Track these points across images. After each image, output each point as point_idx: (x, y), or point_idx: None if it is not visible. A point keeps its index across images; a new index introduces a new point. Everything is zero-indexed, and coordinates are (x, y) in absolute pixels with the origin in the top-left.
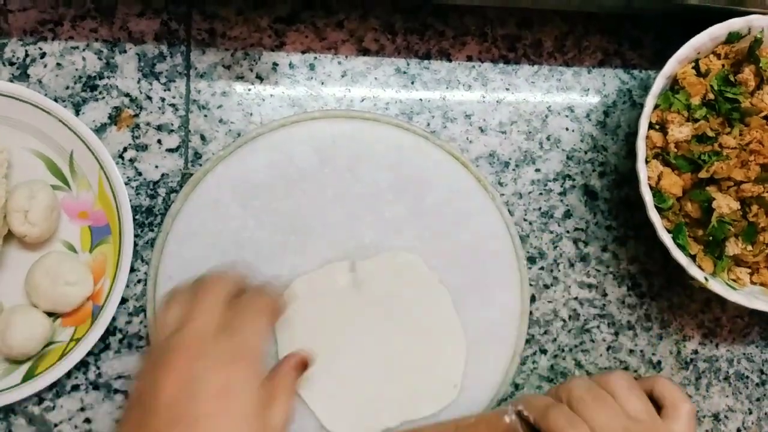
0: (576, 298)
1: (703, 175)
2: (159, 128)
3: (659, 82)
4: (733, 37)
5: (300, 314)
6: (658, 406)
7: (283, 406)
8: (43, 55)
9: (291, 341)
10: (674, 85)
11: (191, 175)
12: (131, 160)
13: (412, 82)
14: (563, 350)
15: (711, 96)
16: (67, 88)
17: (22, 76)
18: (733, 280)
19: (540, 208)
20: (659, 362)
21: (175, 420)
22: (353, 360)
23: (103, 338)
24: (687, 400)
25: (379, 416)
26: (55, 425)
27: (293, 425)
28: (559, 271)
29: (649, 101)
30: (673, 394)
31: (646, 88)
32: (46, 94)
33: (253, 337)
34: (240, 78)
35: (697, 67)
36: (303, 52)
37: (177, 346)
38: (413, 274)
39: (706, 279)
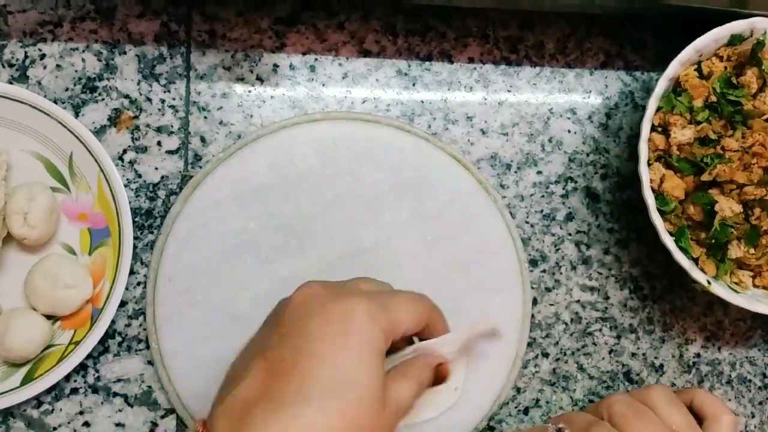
0: (578, 301)
1: (705, 177)
2: (159, 130)
3: (662, 84)
4: (735, 40)
5: None
6: (698, 418)
7: (407, 389)
8: (42, 57)
9: None
10: (677, 88)
11: (191, 177)
12: (131, 162)
13: (414, 84)
14: (565, 353)
15: (713, 98)
16: (67, 89)
17: (22, 77)
18: (736, 284)
19: (542, 211)
20: (662, 366)
21: (287, 336)
22: None
23: (102, 341)
24: (728, 412)
25: None
26: (54, 429)
27: None
28: (561, 273)
29: (652, 103)
30: (714, 406)
31: (648, 90)
32: (45, 96)
33: (399, 310)
34: (240, 79)
35: (699, 70)
36: (304, 54)
37: (317, 282)
38: None
39: (708, 282)
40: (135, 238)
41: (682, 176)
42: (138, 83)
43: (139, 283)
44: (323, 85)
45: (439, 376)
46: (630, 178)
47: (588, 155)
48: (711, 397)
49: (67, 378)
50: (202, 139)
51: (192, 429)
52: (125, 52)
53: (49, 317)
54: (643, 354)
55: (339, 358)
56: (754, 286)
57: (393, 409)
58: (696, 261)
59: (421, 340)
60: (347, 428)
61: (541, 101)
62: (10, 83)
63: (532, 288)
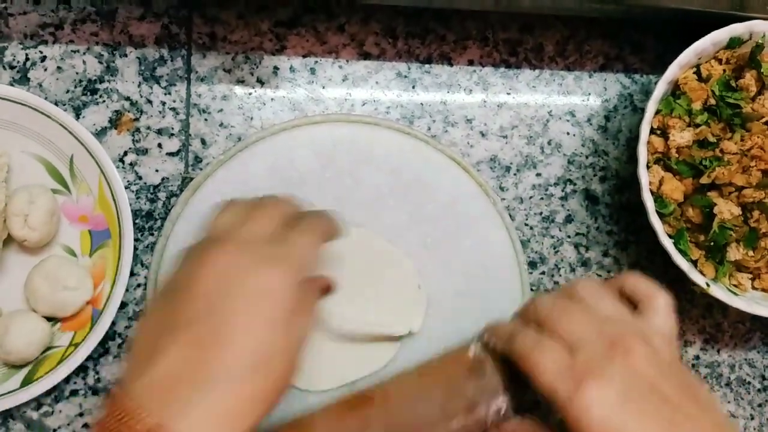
0: None
1: (704, 180)
2: (159, 132)
3: (660, 87)
4: (734, 43)
5: None
6: (633, 305)
7: (308, 318)
8: (43, 59)
9: None
10: (675, 90)
11: (191, 179)
12: (131, 164)
13: (413, 86)
14: None
15: (712, 101)
16: (68, 91)
17: (23, 79)
18: (735, 286)
19: (541, 213)
20: None
21: (208, 311)
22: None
23: (103, 343)
24: (662, 292)
25: (342, 371)
26: (54, 430)
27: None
28: (560, 276)
29: (651, 106)
30: (646, 288)
31: (647, 93)
32: (46, 98)
33: (302, 248)
34: (241, 82)
35: (698, 72)
36: (304, 56)
37: (222, 241)
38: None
39: (707, 284)
40: (135, 239)
41: (681, 179)
42: (139, 85)
43: (139, 285)
44: (323, 87)
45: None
46: (629, 181)
47: (587, 158)
48: (642, 280)
49: (67, 380)
50: (203, 141)
51: (106, 409)
52: (126, 55)
53: (49, 319)
54: None
55: (261, 331)
56: (753, 288)
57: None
58: (695, 263)
59: None
60: (276, 392)
61: (540, 104)
62: (11, 85)
63: (532, 290)
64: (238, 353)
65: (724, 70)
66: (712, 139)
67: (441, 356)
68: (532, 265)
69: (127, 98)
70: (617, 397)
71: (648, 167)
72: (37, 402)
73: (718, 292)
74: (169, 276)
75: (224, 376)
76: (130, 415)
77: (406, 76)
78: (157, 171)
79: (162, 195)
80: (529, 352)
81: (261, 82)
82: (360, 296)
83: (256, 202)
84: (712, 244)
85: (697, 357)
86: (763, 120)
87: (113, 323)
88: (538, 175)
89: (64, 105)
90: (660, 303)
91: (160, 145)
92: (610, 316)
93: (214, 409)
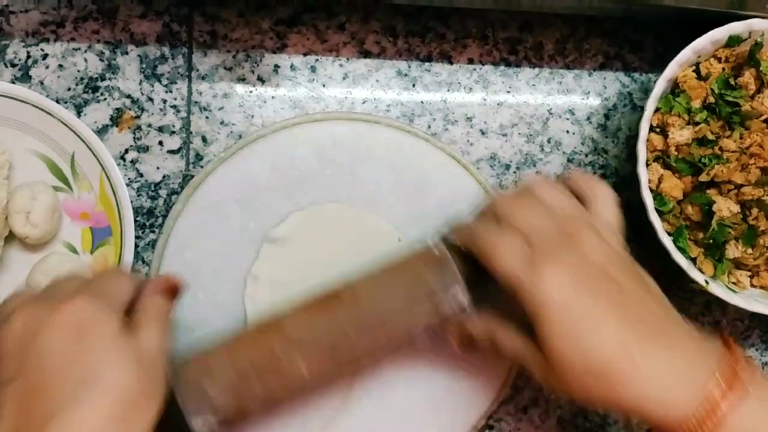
0: None
1: (703, 178)
2: (160, 130)
3: (660, 85)
4: (733, 41)
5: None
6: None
7: (152, 330)
8: (44, 57)
9: None
10: (675, 89)
11: (192, 176)
12: (132, 162)
13: (414, 85)
14: None
15: (711, 99)
16: (69, 89)
17: (24, 77)
18: (734, 283)
19: None
20: None
21: (19, 369)
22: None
23: None
24: (604, 185)
25: None
26: None
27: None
28: None
29: (650, 104)
30: (590, 183)
31: (646, 91)
32: (47, 96)
33: (110, 284)
34: (241, 80)
35: (697, 71)
36: (304, 54)
37: (21, 306)
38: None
39: (706, 282)
40: (136, 237)
41: (680, 177)
42: (140, 83)
43: None
44: (324, 85)
45: (176, 291)
46: (628, 179)
47: (587, 156)
48: (584, 176)
49: None
50: (204, 139)
51: None
52: (127, 53)
53: None
54: None
55: (86, 357)
56: (752, 285)
57: (150, 358)
58: (694, 261)
59: None
60: (121, 410)
61: (540, 102)
62: (13, 83)
63: None
64: (64, 387)
65: (724, 69)
66: (711, 137)
67: (406, 255)
68: None
69: (129, 96)
70: (572, 281)
71: (647, 165)
72: None
73: (716, 289)
74: None
75: (62, 410)
76: None
77: (406, 75)
78: (158, 168)
79: (163, 192)
80: (489, 244)
81: (262, 80)
82: (347, 267)
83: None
84: (711, 241)
85: None
86: (762, 118)
87: None
88: (538, 173)
89: (66, 103)
90: (603, 197)
91: (161, 143)
92: (563, 208)
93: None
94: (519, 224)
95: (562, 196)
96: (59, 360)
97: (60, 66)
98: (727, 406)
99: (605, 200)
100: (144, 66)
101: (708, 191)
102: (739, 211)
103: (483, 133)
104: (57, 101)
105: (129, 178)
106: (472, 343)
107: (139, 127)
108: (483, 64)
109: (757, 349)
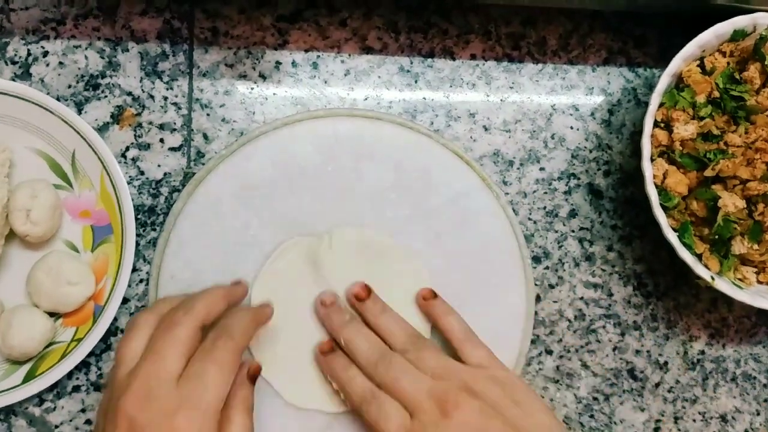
0: (581, 298)
1: (708, 173)
2: (161, 127)
3: (664, 80)
4: (738, 35)
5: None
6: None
7: (238, 426)
8: (45, 54)
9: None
10: (679, 83)
11: (194, 174)
12: (133, 159)
13: (416, 81)
14: (569, 351)
15: (716, 94)
16: (70, 86)
17: (25, 75)
18: (740, 279)
19: (545, 207)
20: (666, 363)
21: None
22: (313, 333)
23: (105, 338)
24: (454, 315)
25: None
26: (56, 426)
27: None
28: (564, 270)
29: (654, 99)
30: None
31: (651, 87)
32: (48, 93)
33: (213, 379)
34: (243, 77)
35: (702, 65)
36: (306, 51)
37: (127, 391)
38: (384, 250)
39: (712, 278)
40: (137, 235)
41: (685, 172)
42: (141, 80)
43: (141, 281)
44: (325, 82)
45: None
46: (633, 174)
47: (591, 152)
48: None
49: (69, 375)
50: (205, 136)
51: None
52: (128, 50)
53: (51, 314)
54: (647, 351)
55: None
56: (758, 282)
57: None
58: (699, 257)
59: None
60: None
61: (543, 98)
62: (13, 80)
63: (536, 285)
64: None
65: (728, 63)
66: (716, 131)
67: None
68: (536, 259)
69: (129, 93)
70: None
71: (652, 160)
72: (39, 398)
73: (722, 285)
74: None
75: None
76: None
77: (408, 71)
78: (159, 166)
79: (164, 190)
80: (376, 418)
81: (263, 77)
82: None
83: (164, 317)
84: (716, 237)
85: (702, 352)
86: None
87: (115, 319)
88: (542, 169)
89: (66, 100)
90: (465, 345)
91: (162, 140)
92: (434, 369)
93: None
94: (398, 393)
95: (432, 353)
96: None
97: (60, 63)
98: None
99: (470, 347)
100: (145, 63)
101: (713, 186)
102: (745, 206)
103: (486, 129)
104: (58, 99)
105: (130, 176)
106: None
107: (140, 125)
108: (486, 60)
109: (764, 347)
